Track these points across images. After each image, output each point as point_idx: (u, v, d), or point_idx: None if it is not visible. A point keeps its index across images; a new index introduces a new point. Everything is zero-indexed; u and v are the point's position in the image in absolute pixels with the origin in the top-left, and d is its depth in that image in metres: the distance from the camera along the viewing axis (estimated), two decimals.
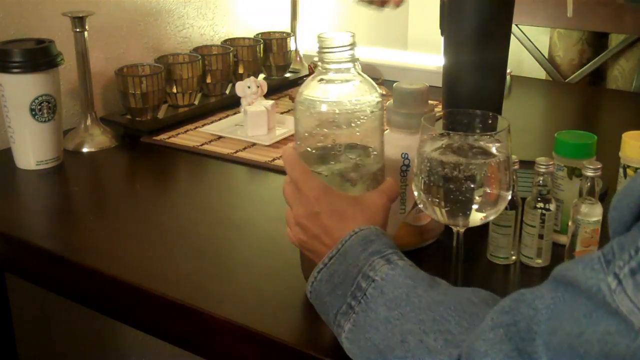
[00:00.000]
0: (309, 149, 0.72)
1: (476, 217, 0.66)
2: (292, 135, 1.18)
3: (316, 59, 0.71)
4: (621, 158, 0.86)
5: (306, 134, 0.71)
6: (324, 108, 0.70)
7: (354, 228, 0.66)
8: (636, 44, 1.73)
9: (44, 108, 1.08)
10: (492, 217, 0.68)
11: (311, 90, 0.71)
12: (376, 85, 0.72)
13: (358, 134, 0.70)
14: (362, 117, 0.70)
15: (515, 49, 1.00)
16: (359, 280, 0.62)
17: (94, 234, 0.93)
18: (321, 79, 0.71)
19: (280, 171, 1.08)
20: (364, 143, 0.71)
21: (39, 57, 1.07)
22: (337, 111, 0.70)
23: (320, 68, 0.71)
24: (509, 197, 0.67)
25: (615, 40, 1.78)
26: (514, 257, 0.83)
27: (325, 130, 0.70)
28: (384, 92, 1.30)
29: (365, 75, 0.71)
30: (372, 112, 0.70)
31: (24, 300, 1.22)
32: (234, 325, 0.73)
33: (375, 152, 0.72)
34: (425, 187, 0.66)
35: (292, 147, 0.72)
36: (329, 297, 0.64)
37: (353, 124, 0.70)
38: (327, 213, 0.68)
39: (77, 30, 1.14)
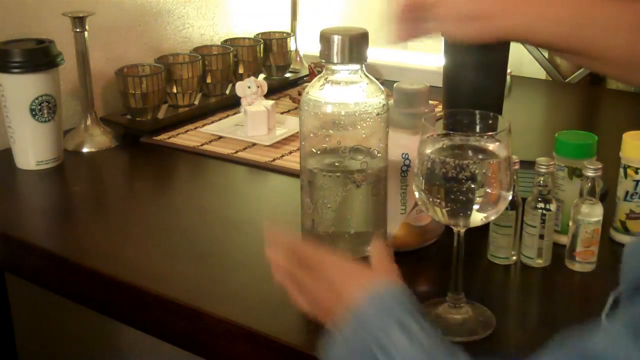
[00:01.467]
0: (313, 150, 0.72)
1: (477, 218, 0.66)
2: (292, 136, 1.19)
3: (323, 61, 0.70)
4: (622, 158, 0.86)
5: (311, 135, 0.71)
6: (329, 109, 0.70)
7: (368, 288, 0.60)
8: None
9: (44, 108, 1.08)
10: (492, 218, 0.68)
11: (317, 91, 0.71)
12: (382, 88, 0.72)
13: (364, 135, 0.70)
14: (368, 119, 0.70)
15: (515, 49, 1.00)
16: (377, 353, 0.57)
17: (94, 234, 0.93)
18: (328, 80, 0.71)
19: (280, 171, 1.08)
20: (369, 144, 0.71)
21: (39, 57, 1.07)
22: (342, 113, 0.70)
23: (326, 69, 0.71)
24: (510, 198, 0.67)
25: None
26: (514, 258, 0.83)
27: (330, 131, 0.70)
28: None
29: (372, 77, 0.71)
30: (378, 114, 0.70)
31: (24, 300, 1.22)
32: (234, 325, 0.72)
33: (379, 154, 0.72)
34: (426, 188, 0.66)
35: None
36: None
37: (359, 126, 0.70)
38: (324, 289, 0.63)
39: (77, 30, 1.14)
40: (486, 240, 0.83)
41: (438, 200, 0.66)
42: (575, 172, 0.83)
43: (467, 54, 0.93)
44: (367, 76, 0.71)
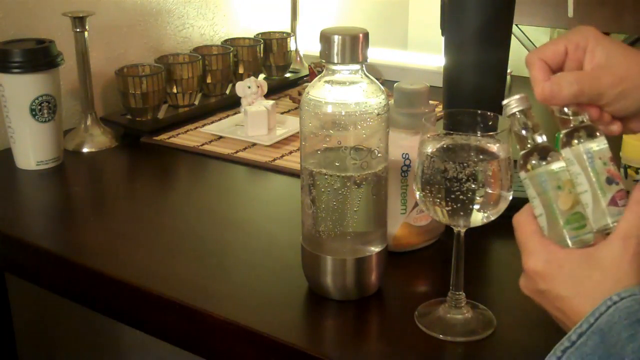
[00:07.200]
0: (313, 150, 0.72)
1: (477, 218, 0.66)
2: (292, 136, 1.19)
3: (323, 61, 0.70)
4: (622, 158, 0.86)
5: (311, 135, 0.71)
6: (330, 109, 0.70)
7: (611, 295, 0.52)
8: (636, 44, 1.73)
9: (44, 108, 1.08)
10: (493, 218, 0.68)
11: (317, 91, 0.71)
12: (383, 88, 0.72)
13: (364, 135, 0.70)
14: (368, 119, 0.70)
15: (515, 49, 1.00)
16: None
17: (94, 234, 0.93)
18: (328, 80, 0.71)
19: (281, 171, 1.08)
20: (369, 144, 0.71)
21: (39, 57, 1.07)
22: (343, 113, 0.70)
23: (326, 69, 0.71)
24: (510, 197, 0.67)
25: None
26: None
27: (330, 131, 0.70)
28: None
29: (372, 77, 0.71)
30: (378, 114, 0.70)
31: (24, 300, 1.22)
32: (234, 325, 0.72)
33: (380, 154, 0.72)
34: (426, 187, 0.66)
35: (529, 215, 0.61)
36: None
37: (359, 126, 0.70)
38: (555, 291, 0.57)
39: (77, 30, 1.14)
40: (486, 240, 0.83)
41: (438, 200, 0.66)
42: None
43: (468, 54, 0.93)
44: (367, 76, 0.71)
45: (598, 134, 0.60)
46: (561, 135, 0.62)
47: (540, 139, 0.61)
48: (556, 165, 0.59)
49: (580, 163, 0.59)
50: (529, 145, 0.61)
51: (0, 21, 1.15)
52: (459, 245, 0.70)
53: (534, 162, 0.60)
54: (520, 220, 0.61)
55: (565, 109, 0.63)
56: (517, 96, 0.62)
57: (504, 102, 0.62)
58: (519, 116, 0.61)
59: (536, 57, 0.65)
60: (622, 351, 0.49)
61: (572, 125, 0.62)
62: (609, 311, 0.51)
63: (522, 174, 0.61)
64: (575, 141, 0.60)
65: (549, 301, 0.58)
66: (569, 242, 0.59)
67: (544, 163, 0.59)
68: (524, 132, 0.61)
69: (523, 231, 0.60)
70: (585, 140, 0.60)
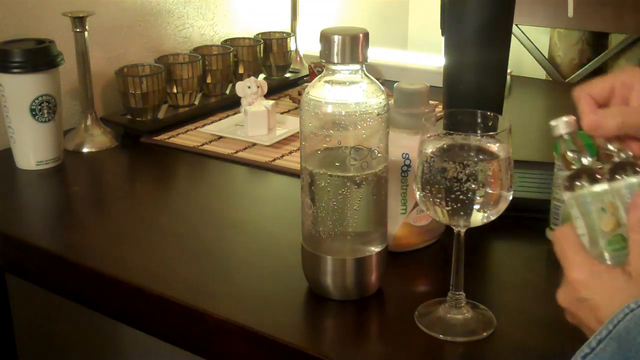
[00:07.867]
0: (313, 150, 0.72)
1: (477, 218, 0.66)
2: (292, 136, 1.19)
3: (323, 61, 0.70)
4: None
5: (311, 135, 0.71)
6: (330, 109, 0.70)
7: (629, 302, 0.53)
8: (636, 44, 1.73)
9: (44, 108, 1.08)
10: (493, 218, 0.68)
11: (317, 91, 0.71)
12: (383, 88, 0.72)
13: (364, 135, 0.70)
14: (368, 119, 0.70)
15: (515, 49, 1.00)
16: None
17: (94, 234, 0.93)
18: (328, 80, 0.71)
19: (281, 171, 1.08)
20: (369, 144, 0.71)
21: (39, 57, 1.07)
22: (343, 113, 0.70)
23: (326, 69, 0.71)
24: (510, 197, 0.67)
25: (615, 40, 1.77)
26: None
27: (330, 131, 0.70)
28: None
29: (372, 77, 0.71)
30: (378, 114, 0.70)
31: (24, 300, 1.22)
32: (234, 325, 0.72)
33: (380, 154, 0.72)
34: (426, 188, 0.66)
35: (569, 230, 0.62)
36: None
37: (359, 126, 0.70)
38: (595, 301, 0.57)
39: (77, 30, 1.14)
40: (486, 240, 0.83)
41: (438, 200, 0.66)
42: None
43: (468, 54, 0.93)
44: (367, 76, 0.71)
45: (639, 169, 0.61)
46: (605, 171, 0.63)
47: (586, 161, 0.62)
48: (600, 188, 0.60)
49: (620, 198, 0.60)
50: (573, 167, 0.62)
51: (0, 21, 1.15)
52: (459, 245, 0.70)
53: (578, 183, 0.61)
54: (565, 232, 0.62)
55: (609, 145, 0.64)
56: (565, 118, 0.63)
57: (552, 122, 0.63)
58: (566, 138, 0.63)
59: (584, 92, 0.68)
60: (638, 357, 0.50)
61: (615, 160, 0.63)
62: (627, 318, 0.53)
63: (567, 195, 0.61)
64: (617, 176, 0.61)
65: (588, 310, 0.58)
66: (610, 263, 0.59)
67: (588, 185, 0.61)
68: (570, 154, 0.62)
69: (568, 243, 0.61)
70: (628, 175, 0.61)
